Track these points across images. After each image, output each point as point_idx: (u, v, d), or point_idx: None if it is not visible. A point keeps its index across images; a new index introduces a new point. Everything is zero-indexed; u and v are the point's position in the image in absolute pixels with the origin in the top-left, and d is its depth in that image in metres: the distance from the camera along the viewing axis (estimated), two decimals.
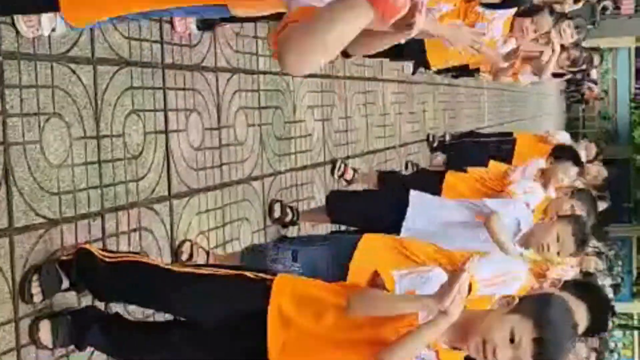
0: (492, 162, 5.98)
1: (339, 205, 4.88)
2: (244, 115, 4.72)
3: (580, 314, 3.41)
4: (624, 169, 22.11)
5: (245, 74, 4.75)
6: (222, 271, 2.93)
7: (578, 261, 6.08)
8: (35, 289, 2.96)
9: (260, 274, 2.89)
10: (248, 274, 2.90)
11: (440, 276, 2.81)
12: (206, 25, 4.08)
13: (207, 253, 4.07)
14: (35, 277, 2.96)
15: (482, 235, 4.24)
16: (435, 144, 8.75)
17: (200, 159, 4.22)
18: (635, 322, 23.71)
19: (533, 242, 4.27)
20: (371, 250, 3.55)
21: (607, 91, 25.44)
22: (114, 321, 3.14)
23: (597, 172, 7.94)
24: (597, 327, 3.80)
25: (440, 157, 8.30)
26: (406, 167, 7.90)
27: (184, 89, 4.08)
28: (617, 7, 23.12)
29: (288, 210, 5.08)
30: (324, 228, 5.49)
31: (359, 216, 4.72)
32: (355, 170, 6.11)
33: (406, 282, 2.76)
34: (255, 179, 4.84)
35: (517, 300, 2.60)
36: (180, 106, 4.04)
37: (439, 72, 8.56)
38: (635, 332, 23.51)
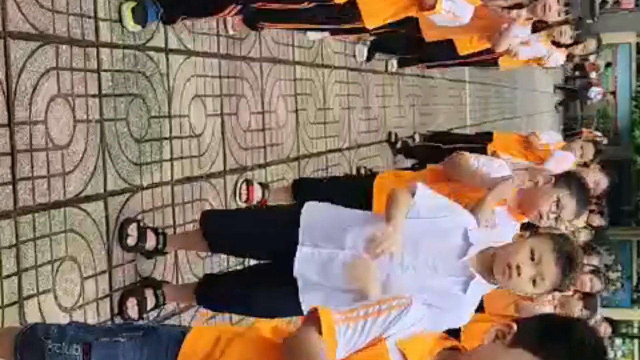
0: None
1: (216, 228, 3.37)
2: (67, 107, 3.19)
3: None
4: (624, 171, 20.86)
5: (73, 46, 3.23)
6: None
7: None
8: None
9: None
10: None
11: None
12: None
13: None
14: None
15: None
16: (398, 146, 7.24)
17: None
18: (636, 331, 22.45)
19: (497, 265, 2.86)
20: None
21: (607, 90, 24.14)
22: None
23: (596, 181, 6.35)
24: None
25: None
26: (358, 174, 6.40)
27: None
28: (617, 2, 22.51)
29: (149, 233, 3.56)
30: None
31: (243, 242, 3.26)
32: (265, 187, 4.57)
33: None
34: (90, 199, 3.31)
35: None
36: None
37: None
38: (636, 341, 22.26)
